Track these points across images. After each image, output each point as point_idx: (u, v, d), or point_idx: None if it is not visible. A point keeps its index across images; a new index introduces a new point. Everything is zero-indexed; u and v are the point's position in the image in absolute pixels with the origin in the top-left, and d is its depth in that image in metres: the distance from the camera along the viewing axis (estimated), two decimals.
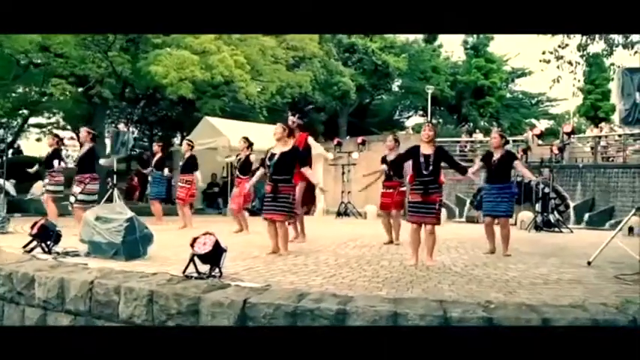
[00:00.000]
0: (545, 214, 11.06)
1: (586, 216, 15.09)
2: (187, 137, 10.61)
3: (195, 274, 4.50)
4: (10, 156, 23.05)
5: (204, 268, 4.58)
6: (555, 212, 12.03)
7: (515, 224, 11.96)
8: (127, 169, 23.13)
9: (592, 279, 5.06)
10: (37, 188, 9.90)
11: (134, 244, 5.57)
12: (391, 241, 7.71)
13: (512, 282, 4.80)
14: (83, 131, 8.86)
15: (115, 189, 13.97)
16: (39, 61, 15.08)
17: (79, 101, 15.68)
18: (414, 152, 5.86)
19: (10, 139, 23.63)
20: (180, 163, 10.45)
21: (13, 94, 15.88)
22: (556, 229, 10.76)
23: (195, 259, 4.55)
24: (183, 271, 4.54)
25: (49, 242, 5.96)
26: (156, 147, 11.31)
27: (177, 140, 26.69)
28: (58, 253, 5.80)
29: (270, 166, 6.28)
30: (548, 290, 4.42)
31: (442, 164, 5.83)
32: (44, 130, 25.82)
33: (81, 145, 8.92)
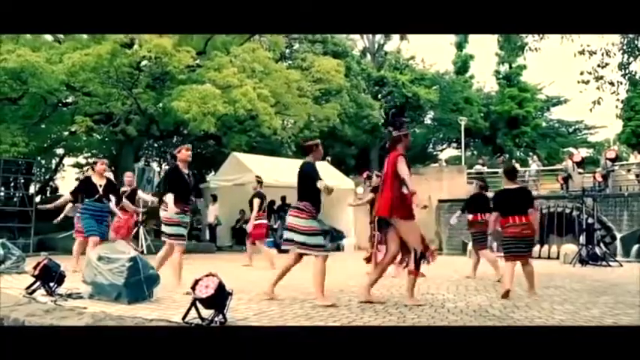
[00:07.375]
0: (591, 246, 10.25)
1: (634, 248, 14.03)
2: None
3: (197, 321, 4.03)
4: (48, 195, 23.28)
5: (208, 312, 4.10)
6: (601, 244, 11.19)
7: (558, 258, 11.19)
8: None
9: None
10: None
11: (138, 285, 5.15)
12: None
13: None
14: None
15: (142, 226, 13.72)
16: (69, 100, 15.21)
17: (106, 139, 15.66)
18: None
19: (45, 177, 23.93)
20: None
21: (44, 134, 15.92)
22: (603, 263, 9.94)
23: (198, 303, 4.09)
24: (183, 317, 4.07)
25: (51, 284, 5.61)
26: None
27: (209, 177, 26.65)
28: (60, 295, 5.45)
29: None
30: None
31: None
32: (83, 170, 26.19)
33: None
